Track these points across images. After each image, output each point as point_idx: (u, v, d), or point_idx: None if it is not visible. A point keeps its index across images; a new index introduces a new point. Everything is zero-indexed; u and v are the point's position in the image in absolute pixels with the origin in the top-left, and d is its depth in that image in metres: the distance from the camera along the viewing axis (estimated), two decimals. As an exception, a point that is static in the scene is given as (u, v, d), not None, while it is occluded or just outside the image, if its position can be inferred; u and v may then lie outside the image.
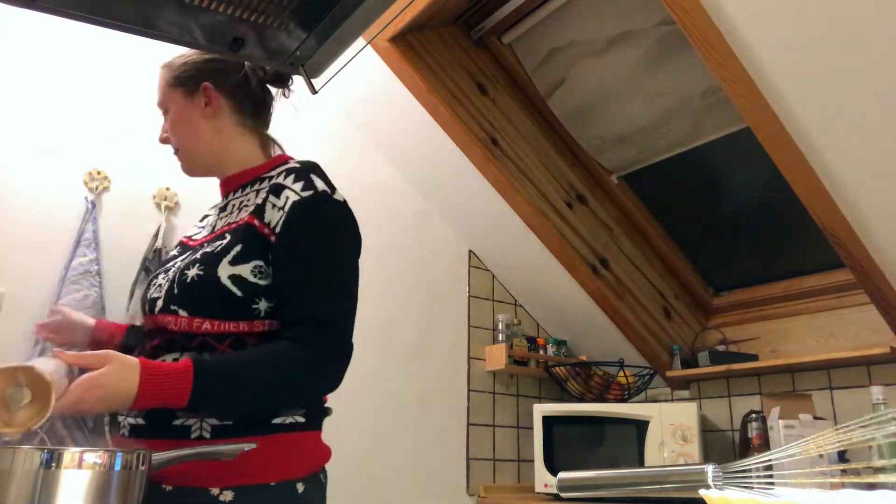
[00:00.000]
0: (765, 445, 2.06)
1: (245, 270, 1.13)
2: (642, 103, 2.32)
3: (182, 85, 1.31)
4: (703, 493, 0.65)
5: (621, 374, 2.58)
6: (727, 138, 2.25)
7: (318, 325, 1.11)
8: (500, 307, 2.85)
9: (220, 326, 1.12)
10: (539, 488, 2.40)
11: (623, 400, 2.59)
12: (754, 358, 2.37)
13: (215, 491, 1.05)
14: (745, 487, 0.65)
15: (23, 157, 2.04)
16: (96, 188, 2.13)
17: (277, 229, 1.15)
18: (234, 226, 1.20)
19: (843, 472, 1.90)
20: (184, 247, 1.32)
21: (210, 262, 1.14)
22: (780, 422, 1.98)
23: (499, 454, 2.68)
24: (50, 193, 2.06)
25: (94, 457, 0.79)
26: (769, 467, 0.67)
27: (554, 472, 2.37)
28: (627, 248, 2.65)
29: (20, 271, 1.98)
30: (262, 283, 1.13)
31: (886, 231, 1.83)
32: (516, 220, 2.51)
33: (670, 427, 2.22)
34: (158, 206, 2.23)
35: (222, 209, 1.30)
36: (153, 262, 2.16)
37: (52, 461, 0.77)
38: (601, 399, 2.60)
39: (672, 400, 2.67)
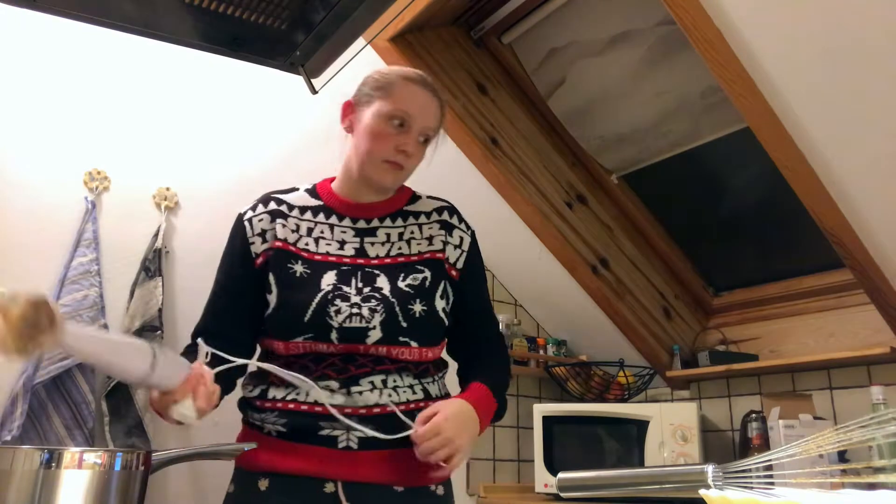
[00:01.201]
0: (765, 445, 2.06)
1: (445, 304, 1.31)
2: (642, 103, 2.32)
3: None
4: (703, 493, 0.65)
5: (621, 374, 2.58)
6: (727, 138, 2.25)
7: (501, 341, 1.44)
8: (500, 307, 2.85)
9: (435, 353, 1.31)
10: (539, 488, 2.40)
11: (623, 400, 2.59)
12: (754, 358, 2.37)
13: (432, 487, 1.27)
14: (745, 487, 0.65)
15: (23, 157, 2.04)
16: (96, 188, 2.13)
17: (459, 265, 1.36)
18: (416, 258, 1.32)
19: (843, 472, 1.90)
20: (306, 261, 1.28)
21: (426, 296, 1.27)
22: (780, 422, 1.98)
23: (499, 454, 2.68)
24: (50, 193, 2.06)
25: (93, 457, 0.79)
26: (769, 467, 0.67)
27: (554, 472, 2.37)
28: (627, 248, 2.65)
29: (20, 271, 1.98)
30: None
31: (886, 231, 1.83)
32: (516, 220, 2.51)
33: (670, 427, 2.22)
34: (158, 206, 2.23)
35: (366, 232, 1.33)
36: (153, 261, 2.16)
37: (52, 461, 0.77)
38: (601, 399, 2.60)
39: (672, 400, 2.67)
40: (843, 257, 1.93)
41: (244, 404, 1.30)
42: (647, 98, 2.29)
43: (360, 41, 1.25)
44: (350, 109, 1.38)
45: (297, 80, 1.39)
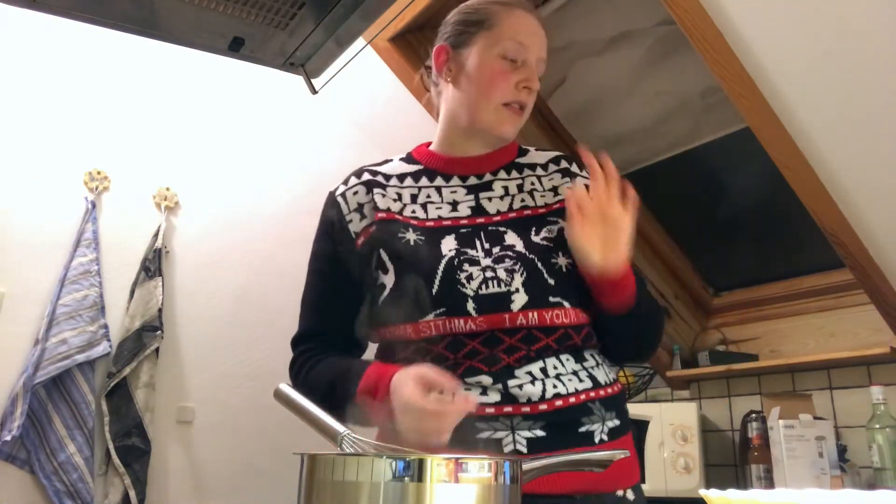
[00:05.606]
0: (765, 446, 2.06)
1: None
2: (642, 103, 2.32)
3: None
4: (702, 492, 0.65)
5: (621, 373, 2.58)
6: (727, 138, 2.25)
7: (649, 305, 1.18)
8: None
9: (587, 319, 1.10)
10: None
11: (623, 400, 2.59)
12: (754, 358, 2.37)
13: (620, 493, 1.05)
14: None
15: (23, 156, 2.04)
16: (96, 188, 2.13)
17: None
18: (544, 210, 1.14)
19: (843, 471, 1.90)
20: (418, 229, 1.11)
21: (567, 249, 1.08)
22: (780, 422, 1.97)
23: (499, 454, 2.68)
24: (50, 193, 2.06)
25: (476, 467, 0.64)
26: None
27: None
28: (627, 248, 2.64)
29: (20, 271, 1.98)
30: None
31: (886, 231, 1.83)
32: (516, 220, 2.50)
33: (670, 427, 2.22)
34: (158, 206, 2.23)
35: (480, 187, 1.16)
36: (153, 261, 2.16)
37: (408, 471, 0.61)
38: (601, 399, 2.60)
39: (672, 400, 2.67)
40: (843, 257, 1.93)
41: None
42: (647, 98, 2.30)
43: (360, 41, 1.25)
44: (445, 55, 1.19)
45: (297, 80, 1.39)
